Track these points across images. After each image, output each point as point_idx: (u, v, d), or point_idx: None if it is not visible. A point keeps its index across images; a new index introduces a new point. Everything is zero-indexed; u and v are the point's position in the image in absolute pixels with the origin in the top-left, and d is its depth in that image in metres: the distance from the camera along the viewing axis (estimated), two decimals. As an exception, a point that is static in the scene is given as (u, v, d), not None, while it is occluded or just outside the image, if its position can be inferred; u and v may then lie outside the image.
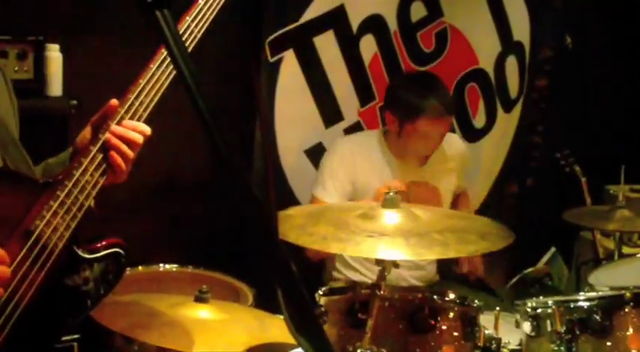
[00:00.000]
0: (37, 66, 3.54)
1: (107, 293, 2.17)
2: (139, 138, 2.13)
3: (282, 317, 3.00)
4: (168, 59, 2.09)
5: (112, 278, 2.16)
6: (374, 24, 4.86)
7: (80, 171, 2.04)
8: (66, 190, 2.01)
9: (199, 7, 2.27)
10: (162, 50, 2.17)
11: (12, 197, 1.97)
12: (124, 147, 2.10)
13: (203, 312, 2.80)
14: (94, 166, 2.07)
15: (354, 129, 4.80)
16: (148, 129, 2.16)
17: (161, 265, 3.78)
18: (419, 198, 4.02)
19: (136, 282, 3.62)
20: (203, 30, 2.25)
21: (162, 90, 2.17)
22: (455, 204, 4.41)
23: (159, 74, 2.17)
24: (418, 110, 3.91)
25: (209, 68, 3.91)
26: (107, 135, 2.09)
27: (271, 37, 4.41)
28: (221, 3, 2.28)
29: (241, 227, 4.48)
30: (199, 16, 2.26)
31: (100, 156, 2.08)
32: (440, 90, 4.05)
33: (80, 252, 2.09)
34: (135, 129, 2.13)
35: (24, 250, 1.95)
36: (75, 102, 3.59)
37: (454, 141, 4.40)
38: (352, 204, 3.69)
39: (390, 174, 4.07)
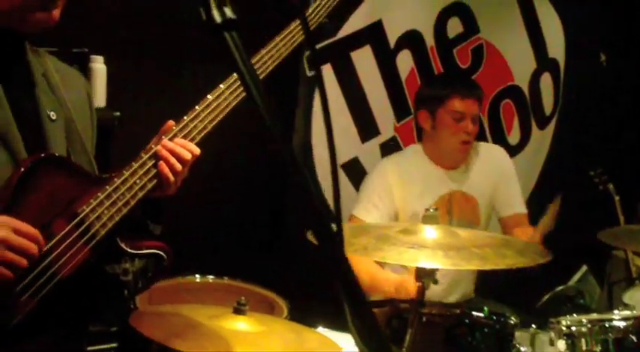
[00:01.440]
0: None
1: (145, 288, 2.39)
2: (187, 155, 2.31)
3: (317, 330, 3.03)
4: (223, 96, 2.38)
5: (151, 276, 2.34)
6: (411, 39, 4.91)
7: (130, 172, 2.23)
8: (114, 185, 2.20)
9: (275, 42, 2.50)
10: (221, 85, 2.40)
11: (67, 182, 2.17)
12: (173, 160, 2.29)
13: (241, 324, 2.80)
14: (143, 171, 2.26)
15: (390, 143, 4.84)
16: (196, 150, 2.35)
17: (197, 276, 3.80)
18: (459, 207, 4.06)
19: (173, 292, 3.64)
20: (276, 63, 2.48)
21: (216, 121, 2.37)
22: (510, 233, 4.21)
23: (214, 106, 2.37)
24: (448, 92, 4.03)
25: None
26: (158, 146, 2.29)
27: (309, 52, 4.46)
28: (295, 43, 2.52)
29: (278, 239, 4.52)
30: (273, 51, 2.49)
31: (150, 164, 2.27)
32: (462, 76, 4.33)
33: (123, 245, 2.27)
34: (184, 147, 2.32)
35: (68, 228, 2.14)
36: (118, 113, 3.64)
37: (497, 154, 4.38)
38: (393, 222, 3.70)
39: (433, 183, 4.10)
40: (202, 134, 2.36)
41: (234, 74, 2.34)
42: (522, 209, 4.33)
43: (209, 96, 2.38)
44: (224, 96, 2.38)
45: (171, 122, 2.37)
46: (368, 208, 3.97)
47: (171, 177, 2.29)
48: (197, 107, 2.36)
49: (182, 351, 2.82)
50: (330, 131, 1.43)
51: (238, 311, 2.83)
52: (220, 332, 2.73)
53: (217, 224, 4.48)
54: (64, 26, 3.60)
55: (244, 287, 3.75)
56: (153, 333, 2.75)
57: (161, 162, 2.28)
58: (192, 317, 2.83)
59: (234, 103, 2.38)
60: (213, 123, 2.37)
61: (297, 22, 2.57)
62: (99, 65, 3.74)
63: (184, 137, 2.34)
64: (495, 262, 2.74)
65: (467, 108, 4.03)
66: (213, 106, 2.37)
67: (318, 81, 1.57)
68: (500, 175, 4.28)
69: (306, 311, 3.39)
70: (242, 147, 4.39)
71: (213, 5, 1.29)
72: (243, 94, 2.34)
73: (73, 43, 3.66)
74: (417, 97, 4.29)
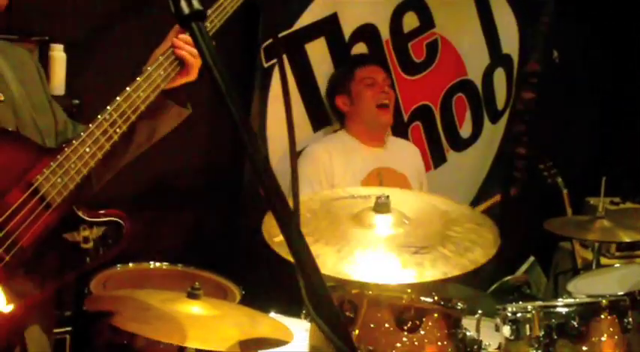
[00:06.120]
0: (41, 65, 3.59)
1: (107, 255, 2.40)
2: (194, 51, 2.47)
3: (270, 315, 3.09)
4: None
5: (111, 243, 2.39)
6: (366, 33, 4.94)
7: (80, 141, 2.29)
8: (65, 155, 2.26)
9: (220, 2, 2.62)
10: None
11: (19, 155, 2.24)
12: (188, 47, 2.47)
13: (195, 308, 2.83)
14: (93, 140, 2.30)
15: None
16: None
17: (152, 263, 3.84)
18: (389, 180, 4.19)
19: (127, 279, 3.69)
20: (222, 21, 2.61)
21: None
22: None
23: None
24: (351, 67, 4.51)
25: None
26: (174, 39, 2.49)
27: (266, 43, 4.50)
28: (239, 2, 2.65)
29: (230, 227, 4.56)
30: (220, 9, 2.61)
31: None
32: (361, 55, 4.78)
33: (80, 213, 2.34)
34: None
35: (23, 197, 2.21)
36: (77, 101, 3.66)
37: (414, 149, 4.82)
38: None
39: (361, 159, 4.34)
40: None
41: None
42: None
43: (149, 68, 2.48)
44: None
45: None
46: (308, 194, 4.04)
47: (191, 58, 2.47)
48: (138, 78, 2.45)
49: (136, 334, 2.88)
50: (290, 112, 1.51)
51: (192, 295, 2.86)
52: (174, 315, 2.76)
53: (172, 211, 4.51)
54: (25, 14, 3.64)
55: (198, 273, 3.80)
56: (107, 316, 2.79)
57: (177, 49, 2.47)
58: (146, 301, 2.85)
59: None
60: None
61: None
62: (59, 53, 3.75)
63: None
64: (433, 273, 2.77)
65: (373, 72, 4.47)
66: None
67: (280, 66, 1.67)
68: (421, 171, 4.72)
69: (259, 298, 3.44)
70: (198, 141, 4.44)
71: None
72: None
73: (33, 31, 3.68)
74: (328, 90, 4.67)
